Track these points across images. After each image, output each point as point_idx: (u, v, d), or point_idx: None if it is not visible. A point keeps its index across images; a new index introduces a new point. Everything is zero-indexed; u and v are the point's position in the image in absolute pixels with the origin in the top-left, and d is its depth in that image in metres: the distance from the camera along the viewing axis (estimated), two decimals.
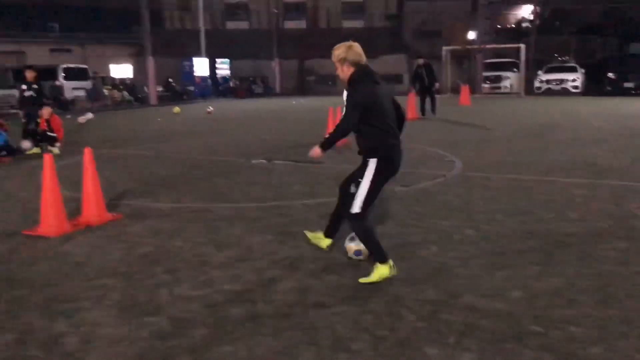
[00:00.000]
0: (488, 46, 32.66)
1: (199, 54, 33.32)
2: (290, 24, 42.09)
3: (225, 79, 36.12)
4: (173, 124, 17.29)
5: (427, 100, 17.24)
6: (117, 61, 41.62)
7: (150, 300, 3.77)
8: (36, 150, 10.47)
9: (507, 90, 30.29)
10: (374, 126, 3.96)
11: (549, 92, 28.83)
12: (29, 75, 11.38)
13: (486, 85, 30.92)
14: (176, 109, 22.03)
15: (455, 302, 3.66)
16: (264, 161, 9.36)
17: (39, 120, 10.62)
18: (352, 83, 4.04)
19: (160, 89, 30.67)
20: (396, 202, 6.38)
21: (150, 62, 27.05)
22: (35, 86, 11.34)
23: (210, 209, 6.20)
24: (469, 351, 3.02)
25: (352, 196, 4.02)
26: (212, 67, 34.51)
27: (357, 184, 4.04)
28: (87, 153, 5.66)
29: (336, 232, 4.62)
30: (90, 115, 18.58)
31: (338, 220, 4.56)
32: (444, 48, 31.83)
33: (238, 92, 34.66)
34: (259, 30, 41.97)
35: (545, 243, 4.83)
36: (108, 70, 38.35)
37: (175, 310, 3.59)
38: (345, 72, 4.07)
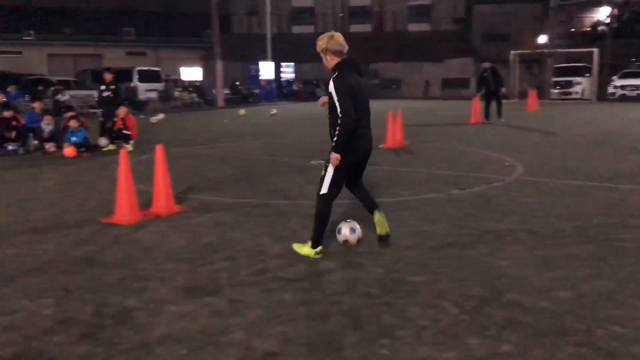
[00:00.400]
0: (559, 50, 31.69)
1: (265, 58, 34.16)
2: (355, 28, 42.38)
3: (289, 82, 36.81)
4: (238, 125, 17.90)
5: (492, 104, 17.02)
6: (188, 64, 43.27)
7: (211, 283, 4.09)
8: (112, 146, 11.20)
9: (578, 96, 29.25)
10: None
11: (623, 99, 27.64)
12: (107, 77, 12.16)
13: (556, 91, 30.00)
14: (242, 111, 22.74)
15: (500, 298, 3.76)
16: (322, 162, 9.60)
17: (115, 119, 11.36)
18: (337, 71, 4.25)
19: (227, 91, 31.67)
20: (451, 204, 6.47)
21: (219, 66, 27.99)
22: (112, 87, 12.10)
23: (269, 205, 6.51)
24: (508, 343, 3.13)
25: (321, 179, 4.37)
26: (277, 71, 35.25)
27: (325, 168, 4.36)
28: (159, 150, 6.10)
29: (374, 207, 4.79)
30: (161, 116, 19.52)
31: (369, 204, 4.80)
32: (512, 52, 31.14)
33: (301, 95, 35.24)
34: (323, 33, 42.47)
35: (600, 248, 4.81)
36: (179, 73, 39.96)
37: (233, 293, 3.89)
38: (329, 61, 4.32)
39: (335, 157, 4.27)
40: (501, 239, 5.12)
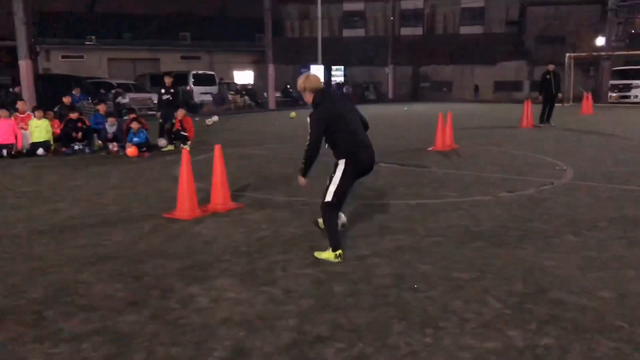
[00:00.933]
0: (617, 53, 30.72)
1: (315, 61, 34.58)
2: (406, 31, 42.27)
3: (339, 85, 37.09)
4: (289, 127, 18.29)
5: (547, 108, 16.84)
6: (240, 68, 44.23)
7: (267, 274, 4.38)
8: (170, 147, 11.75)
9: (637, 100, 28.29)
10: (341, 134, 4.63)
11: None
12: (167, 80, 12.76)
13: (613, 94, 29.13)
14: (292, 113, 23.15)
15: (542, 296, 3.89)
16: (382, 164, 9.80)
17: (174, 120, 11.91)
18: (314, 106, 4.70)
19: (278, 94, 32.23)
20: (499, 206, 6.57)
21: (271, 69, 28.56)
22: (172, 90, 12.68)
23: (319, 203, 6.76)
24: (548, 336, 3.27)
25: (326, 189, 4.77)
26: (328, 74, 35.60)
27: (330, 179, 4.78)
28: (217, 150, 6.47)
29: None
30: (215, 118, 20.15)
31: None
32: (568, 55, 30.41)
33: (351, 98, 35.46)
34: (374, 37, 42.62)
35: None
36: (232, 77, 40.92)
37: (287, 283, 4.16)
38: (308, 98, 4.76)
39: (301, 180, 4.92)
40: (547, 240, 5.20)
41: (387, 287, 4.09)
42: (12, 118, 11.60)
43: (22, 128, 11.59)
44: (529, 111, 16.82)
